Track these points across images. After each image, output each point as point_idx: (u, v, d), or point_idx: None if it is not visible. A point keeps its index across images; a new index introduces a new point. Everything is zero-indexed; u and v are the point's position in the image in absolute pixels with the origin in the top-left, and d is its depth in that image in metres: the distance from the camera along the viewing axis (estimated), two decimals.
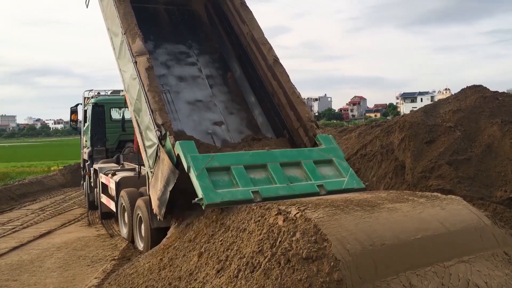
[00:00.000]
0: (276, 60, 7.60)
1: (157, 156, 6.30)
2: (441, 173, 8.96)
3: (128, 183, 9.02)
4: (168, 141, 6.00)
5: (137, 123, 7.05)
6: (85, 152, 13.06)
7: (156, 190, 6.39)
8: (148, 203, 6.87)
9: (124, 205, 8.85)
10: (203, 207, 5.28)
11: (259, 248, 3.87)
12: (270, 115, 8.01)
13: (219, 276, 4.03)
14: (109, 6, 7.93)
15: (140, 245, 8.05)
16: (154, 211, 6.55)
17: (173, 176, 5.85)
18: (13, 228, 10.56)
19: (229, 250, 4.25)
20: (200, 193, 5.32)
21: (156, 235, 7.12)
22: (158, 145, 6.19)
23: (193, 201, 5.48)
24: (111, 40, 8.00)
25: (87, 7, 9.28)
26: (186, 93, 8.19)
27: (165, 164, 5.98)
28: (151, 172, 6.53)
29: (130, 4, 7.83)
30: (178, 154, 5.77)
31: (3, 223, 11.23)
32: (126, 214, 8.89)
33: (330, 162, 6.43)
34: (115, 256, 7.62)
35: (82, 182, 13.82)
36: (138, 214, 7.92)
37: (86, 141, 13.03)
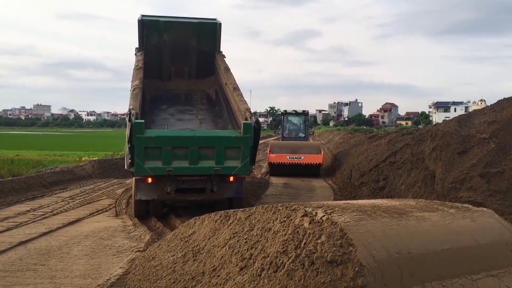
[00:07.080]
0: (234, 87, 11.29)
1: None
2: (473, 185, 8.74)
3: None
4: (131, 116, 9.21)
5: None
6: None
7: (126, 147, 9.91)
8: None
9: None
10: (132, 175, 9.78)
11: (284, 249, 3.86)
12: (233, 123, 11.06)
13: (242, 273, 4.04)
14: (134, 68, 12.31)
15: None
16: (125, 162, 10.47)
17: (129, 134, 9.19)
18: (43, 215, 10.85)
19: (253, 249, 4.26)
20: (133, 167, 9.20)
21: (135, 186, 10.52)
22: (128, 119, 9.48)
23: (126, 168, 10.03)
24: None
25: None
26: (179, 126, 11.65)
27: (128, 128, 9.38)
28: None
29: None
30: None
31: (34, 209, 11.56)
32: None
33: (238, 148, 9.44)
34: (140, 248, 7.74)
35: None
36: None
37: None
